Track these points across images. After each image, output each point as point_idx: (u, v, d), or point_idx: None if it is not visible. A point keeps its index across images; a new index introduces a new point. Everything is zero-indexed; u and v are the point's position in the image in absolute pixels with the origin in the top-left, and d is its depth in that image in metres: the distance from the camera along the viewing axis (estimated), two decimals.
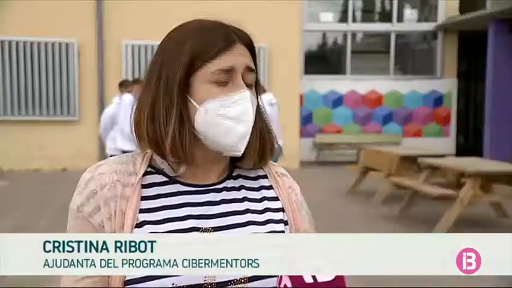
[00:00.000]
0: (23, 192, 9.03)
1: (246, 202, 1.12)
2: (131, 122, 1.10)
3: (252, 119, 1.06)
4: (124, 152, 6.81)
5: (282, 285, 0.91)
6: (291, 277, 0.88)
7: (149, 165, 1.10)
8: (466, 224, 6.82)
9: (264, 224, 1.10)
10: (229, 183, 1.13)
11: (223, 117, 1.03)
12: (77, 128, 11.72)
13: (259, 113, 1.12)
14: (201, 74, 1.04)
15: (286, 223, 1.14)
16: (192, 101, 1.04)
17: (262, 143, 1.13)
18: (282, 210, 1.15)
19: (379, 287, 4.75)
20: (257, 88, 1.12)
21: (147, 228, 1.04)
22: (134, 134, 1.09)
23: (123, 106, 7.04)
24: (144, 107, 1.06)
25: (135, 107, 1.09)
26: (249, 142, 1.08)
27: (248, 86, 1.07)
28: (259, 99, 1.13)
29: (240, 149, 1.06)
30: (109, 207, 1.04)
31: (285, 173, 1.22)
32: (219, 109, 1.03)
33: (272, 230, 1.10)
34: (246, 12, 8.43)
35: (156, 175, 1.10)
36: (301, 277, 0.87)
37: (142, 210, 1.05)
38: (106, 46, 11.65)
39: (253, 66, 1.09)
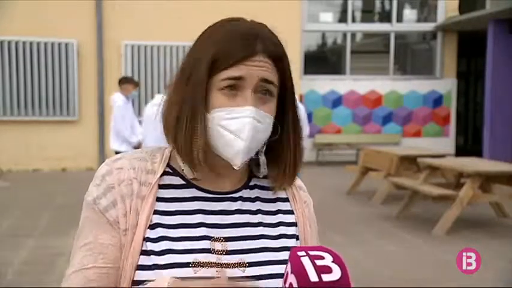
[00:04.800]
0: (23, 192, 9.02)
1: (259, 215, 1.11)
2: (162, 121, 1.09)
3: (249, 136, 1.02)
4: (117, 153, 6.80)
5: (287, 284, 0.91)
6: (296, 276, 0.88)
7: (167, 165, 1.10)
8: (466, 224, 6.82)
9: (277, 239, 1.10)
10: (245, 193, 1.12)
11: (224, 128, 1.03)
12: (76, 128, 11.72)
13: (291, 128, 1.10)
14: (214, 81, 1.03)
15: (297, 238, 1.13)
16: (206, 107, 1.04)
17: (293, 160, 1.11)
18: (295, 224, 1.14)
19: (380, 287, 4.76)
20: (286, 101, 1.09)
21: (160, 231, 1.04)
22: (164, 132, 1.09)
23: (116, 107, 6.99)
24: (173, 109, 1.07)
25: (165, 107, 1.09)
26: (279, 157, 1.09)
27: (262, 100, 1.05)
28: (296, 113, 1.11)
29: (236, 164, 1.04)
30: (125, 203, 1.04)
31: (303, 186, 1.21)
32: (222, 120, 1.03)
33: (284, 245, 1.10)
34: (245, 12, 8.38)
35: (173, 176, 1.09)
36: (307, 276, 0.88)
37: (156, 212, 1.05)
38: (106, 46, 11.64)
39: (272, 79, 1.06)
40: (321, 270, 0.88)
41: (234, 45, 1.03)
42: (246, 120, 1.02)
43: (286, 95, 1.10)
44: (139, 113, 9.13)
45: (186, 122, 1.04)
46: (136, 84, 7.34)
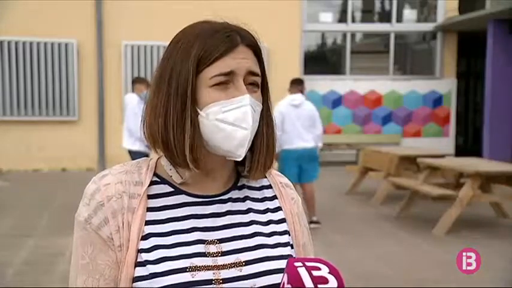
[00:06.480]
0: (23, 192, 9.03)
1: (251, 213, 1.12)
2: (142, 126, 1.08)
3: (251, 124, 1.03)
4: (130, 151, 6.80)
5: None
6: (293, 286, 0.90)
7: (154, 174, 1.10)
8: (466, 224, 6.82)
9: (270, 236, 1.10)
10: (235, 194, 1.12)
11: (222, 122, 1.02)
12: (76, 128, 11.72)
13: (265, 118, 1.10)
14: (202, 78, 1.03)
15: (289, 234, 1.14)
16: (196, 106, 1.03)
17: (266, 150, 1.10)
18: (284, 221, 1.15)
19: (379, 287, 4.76)
20: (264, 91, 1.10)
21: (153, 240, 1.04)
22: (147, 139, 1.08)
23: (130, 107, 6.99)
24: (157, 113, 1.05)
25: (146, 112, 1.07)
26: (253, 148, 1.08)
27: (251, 90, 1.05)
28: (269, 104, 1.12)
29: (239, 155, 1.04)
30: (117, 219, 1.04)
31: (289, 183, 1.22)
32: (219, 114, 1.02)
33: (278, 241, 1.10)
34: (245, 12, 8.39)
35: (161, 185, 1.09)
36: (303, 286, 0.90)
37: (148, 222, 1.05)
38: (105, 46, 11.64)
39: (257, 70, 1.07)
40: (317, 280, 0.90)
41: (215, 39, 1.03)
42: (244, 109, 1.02)
43: (264, 84, 1.10)
44: None
45: (175, 123, 1.02)
46: (148, 84, 7.38)
